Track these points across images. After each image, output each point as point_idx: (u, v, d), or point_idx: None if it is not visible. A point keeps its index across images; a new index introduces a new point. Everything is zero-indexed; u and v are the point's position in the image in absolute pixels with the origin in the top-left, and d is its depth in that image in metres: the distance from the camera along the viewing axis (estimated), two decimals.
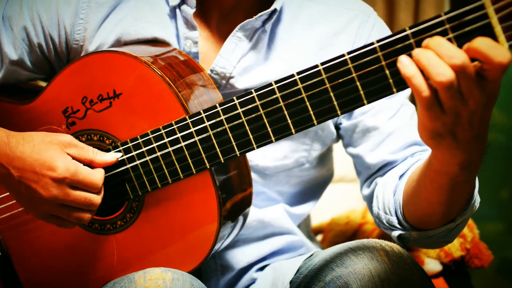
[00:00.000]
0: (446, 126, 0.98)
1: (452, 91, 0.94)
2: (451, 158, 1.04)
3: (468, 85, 0.94)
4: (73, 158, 1.19)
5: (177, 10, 1.33)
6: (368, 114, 1.36)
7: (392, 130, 1.36)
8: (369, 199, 1.40)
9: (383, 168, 1.37)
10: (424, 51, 0.95)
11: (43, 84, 1.37)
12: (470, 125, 0.98)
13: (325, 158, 1.48)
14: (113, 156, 1.22)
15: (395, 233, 1.28)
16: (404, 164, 1.33)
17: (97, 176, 1.19)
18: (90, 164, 1.20)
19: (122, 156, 1.23)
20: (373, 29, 1.38)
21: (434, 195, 1.13)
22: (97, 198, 1.19)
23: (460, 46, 0.94)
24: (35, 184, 1.17)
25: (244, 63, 1.34)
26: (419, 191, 1.17)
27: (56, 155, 1.17)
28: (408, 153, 1.35)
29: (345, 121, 1.38)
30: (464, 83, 0.94)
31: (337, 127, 1.42)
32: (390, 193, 1.29)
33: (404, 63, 0.96)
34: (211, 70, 1.33)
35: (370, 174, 1.39)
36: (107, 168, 1.24)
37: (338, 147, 1.51)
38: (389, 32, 1.41)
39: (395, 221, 1.27)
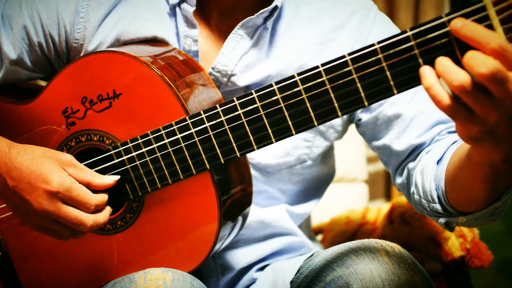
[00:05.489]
0: (482, 131, 0.94)
1: (475, 95, 0.90)
2: (491, 154, 1.00)
3: (500, 86, 0.89)
4: None
5: (177, 9, 1.33)
6: (387, 104, 1.34)
7: (414, 114, 1.33)
8: (404, 187, 1.37)
9: (413, 153, 1.34)
10: (441, 59, 0.92)
11: (43, 83, 1.37)
12: (510, 120, 0.93)
13: (327, 156, 1.48)
14: (111, 179, 1.21)
15: (442, 220, 1.24)
16: (438, 148, 1.29)
17: (92, 196, 1.18)
18: (88, 186, 1.19)
19: (119, 178, 1.22)
20: (374, 23, 1.37)
21: (476, 184, 1.09)
22: (88, 219, 1.18)
23: (460, 48, 0.94)
24: (28, 195, 1.17)
25: (246, 61, 1.33)
26: (462, 180, 1.14)
27: (54, 169, 1.17)
28: (435, 133, 1.32)
29: (364, 116, 1.37)
30: (495, 85, 0.89)
31: (357, 123, 1.40)
32: (430, 181, 1.26)
33: (424, 74, 0.94)
34: (213, 68, 1.32)
35: (400, 161, 1.37)
36: (108, 168, 1.24)
37: (339, 147, 1.50)
38: (391, 25, 1.40)
39: (439, 209, 1.23)
